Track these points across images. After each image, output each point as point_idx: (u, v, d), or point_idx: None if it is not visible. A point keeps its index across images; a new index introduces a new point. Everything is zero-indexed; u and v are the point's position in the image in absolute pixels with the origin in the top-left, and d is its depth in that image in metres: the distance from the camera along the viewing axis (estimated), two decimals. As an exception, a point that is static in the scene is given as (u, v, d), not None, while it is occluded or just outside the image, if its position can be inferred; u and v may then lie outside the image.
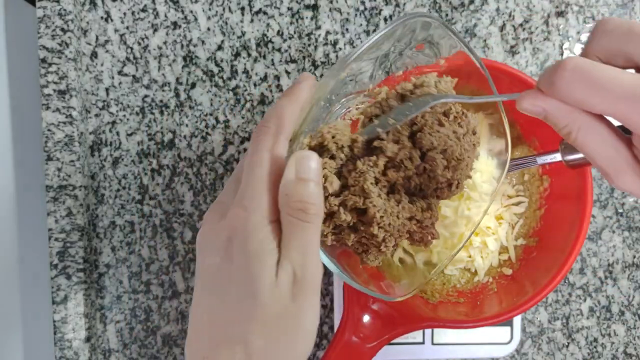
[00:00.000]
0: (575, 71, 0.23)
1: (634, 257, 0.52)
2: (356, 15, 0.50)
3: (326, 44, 0.50)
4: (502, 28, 0.51)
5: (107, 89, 0.50)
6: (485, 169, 0.43)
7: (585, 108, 0.23)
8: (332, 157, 0.30)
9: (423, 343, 0.49)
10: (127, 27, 0.50)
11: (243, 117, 0.50)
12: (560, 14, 0.51)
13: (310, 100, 0.31)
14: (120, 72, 0.50)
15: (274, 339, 0.26)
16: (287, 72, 0.50)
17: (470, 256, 0.46)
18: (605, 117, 0.25)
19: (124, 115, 0.50)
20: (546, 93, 0.25)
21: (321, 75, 0.51)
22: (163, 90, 0.50)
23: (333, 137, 0.30)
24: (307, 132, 0.30)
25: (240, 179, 0.29)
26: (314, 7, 0.50)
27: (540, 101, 0.25)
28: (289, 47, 0.50)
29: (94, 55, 0.50)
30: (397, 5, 0.50)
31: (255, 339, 0.26)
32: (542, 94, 0.25)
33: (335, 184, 0.29)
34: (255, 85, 0.50)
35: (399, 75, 0.36)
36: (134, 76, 0.50)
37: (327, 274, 0.51)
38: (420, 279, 0.39)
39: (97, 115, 0.50)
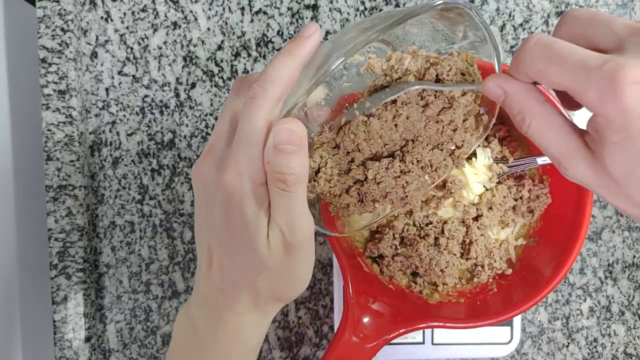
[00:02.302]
0: (538, 43, 0.24)
1: (634, 257, 0.52)
2: (356, 15, 0.50)
3: (326, 44, 0.50)
4: (502, 28, 0.51)
5: (107, 89, 0.50)
6: (480, 171, 0.43)
7: (543, 79, 0.25)
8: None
9: (423, 343, 0.49)
10: (127, 27, 0.50)
11: (243, 117, 0.50)
12: (560, 14, 0.51)
13: (313, 58, 0.29)
14: (120, 72, 0.50)
15: (276, 283, 0.31)
16: (287, 72, 0.50)
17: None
18: (562, 111, 0.26)
19: (124, 115, 0.50)
20: (511, 72, 0.26)
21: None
22: (163, 90, 0.50)
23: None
24: (302, 96, 0.28)
25: (233, 122, 0.30)
26: (314, 7, 0.50)
27: (503, 82, 0.26)
28: (289, 47, 0.50)
29: (94, 55, 0.50)
30: (397, 5, 0.50)
31: (260, 284, 0.30)
32: (506, 76, 0.27)
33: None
34: (255, 85, 0.50)
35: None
36: (134, 76, 0.50)
37: (326, 274, 0.51)
38: (367, 221, 0.40)
39: (97, 115, 0.50)
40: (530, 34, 0.25)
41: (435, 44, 0.35)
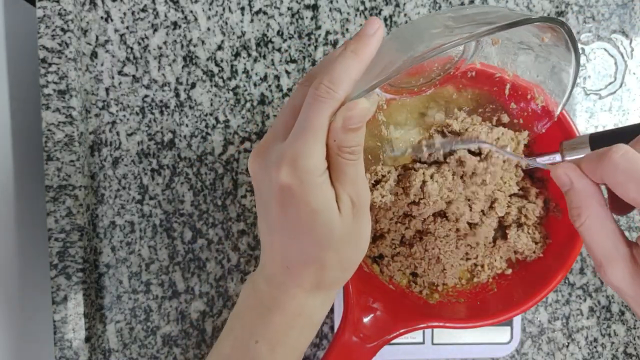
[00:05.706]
0: (624, 157, 0.26)
1: (634, 257, 0.52)
2: (356, 15, 0.50)
3: (326, 44, 0.50)
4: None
5: (107, 89, 0.50)
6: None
7: (618, 190, 0.26)
8: None
9: (423, 343, 0.49)
10: (127, 27, 0.50)
11: (243, 117, 0.50)
12: (560, 14, 0.51)
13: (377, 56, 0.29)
14: (120, 72, 0.50)
15: (343, 251, 0.32)
16: (287, 72, 0.50)
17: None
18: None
19: (124, 115, 0.50)
20: (584, 169, 0.28)
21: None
22: (163, 90, 0.50)
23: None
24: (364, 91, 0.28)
25: (288, 124, 0.31)
26: (314, 7, 0.50)
27: (574, 176, 0.28)
28: (289, 47, 0.50)
29: (94, 55, 0.50)
30: (397, 5, 0.50)
31: (328, 257, 0.31)
32: (576, 169, 0.28)
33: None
34: (255, 85, 0.50)
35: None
36: (134, 76, 0.50)
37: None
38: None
39: (97, 115, 0.50)
40: (617, 146, 0.26)
41: (515, 48, 0.35)
